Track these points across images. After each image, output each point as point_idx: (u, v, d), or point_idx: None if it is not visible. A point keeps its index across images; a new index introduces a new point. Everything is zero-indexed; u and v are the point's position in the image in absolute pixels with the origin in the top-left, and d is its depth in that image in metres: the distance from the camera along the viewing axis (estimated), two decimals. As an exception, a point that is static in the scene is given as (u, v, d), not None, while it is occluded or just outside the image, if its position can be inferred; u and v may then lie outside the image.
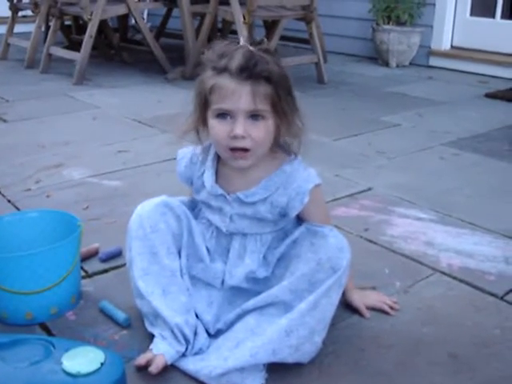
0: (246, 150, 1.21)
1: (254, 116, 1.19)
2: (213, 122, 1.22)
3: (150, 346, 1.27)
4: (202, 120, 1.26)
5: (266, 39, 1.25)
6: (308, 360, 1.25)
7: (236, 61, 1.17)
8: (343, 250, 1.27)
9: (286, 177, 1.27)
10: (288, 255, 1.31)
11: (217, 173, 1.32)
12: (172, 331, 1.26)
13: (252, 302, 1.28)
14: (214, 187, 1.31)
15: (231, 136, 1.19)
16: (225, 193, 1.30)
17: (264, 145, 1.23)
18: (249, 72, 1.16)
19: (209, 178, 1.31)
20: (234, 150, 1.21)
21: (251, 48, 1.19)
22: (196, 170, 1.35)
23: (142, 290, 1.31)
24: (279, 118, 1.22)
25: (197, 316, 1.32)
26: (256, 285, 1.33)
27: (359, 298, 1.45)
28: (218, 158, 1.32)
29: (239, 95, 1.17)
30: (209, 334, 1.31)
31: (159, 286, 1.30)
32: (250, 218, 1.31)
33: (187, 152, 1.37)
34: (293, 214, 1.29)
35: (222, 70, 1.18)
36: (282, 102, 1.20)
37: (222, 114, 1.20)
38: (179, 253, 1.35)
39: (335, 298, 1.28)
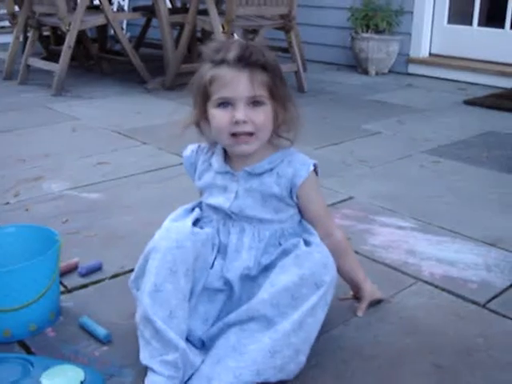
0: (250, 134, 1.27)
1: (254, 102, 1.25)
2: (214, 112, 1.28)
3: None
4: (202, 113, 1.31)
5: (256, 35, 1.32)
6: (292, 378, 1.24)
7: (233, 52, 1.24)
8: (327, 267, 1.28)
9: (289, 154, 1.35)
10: (274, 265, 1.30)
11: (224, 157, 1.37)
12: (176, 355, 1.19)
13: (234, 315, 1.25)
14: (223, 165, 1.35)
15: (233, 122, 1.25)
16: (232, 170, 1.35)
17: (265, 129, 1.29)
18: (246, 61, 1.24)
19: (218, 157, 1.37)
20: (236, 135, 1.27)
21: (244, 41, 1.28)
22: (203, 154, 1.41)
23: (147, 308, 1.22)
24: (276, 103, 1.28)
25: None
26: (248, 283, 1.31)
27: (370, 294, 1.50)
28: None
29: (238, 83, 1.23)
30: (194, 346, 1.28)
31: (167, 307, 1.23)
32: (256, 193, 1.33)
33: (195, 144, 1.43)
34: (299, 181, 1.32)
35: (219, 62, 1.25)
36: (278, 89, 1.28)
37: (223, 104, 1.26)
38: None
39: (321, 317, 1.27)
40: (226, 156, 1.37)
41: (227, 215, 1.35)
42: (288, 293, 1.22)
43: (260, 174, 1.33)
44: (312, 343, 1.26)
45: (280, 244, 1.34)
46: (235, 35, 1.32)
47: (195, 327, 1.29)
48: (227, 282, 1.32)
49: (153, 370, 1.19)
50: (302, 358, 1.23)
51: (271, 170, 1.33)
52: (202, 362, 1.22)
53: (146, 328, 1.23)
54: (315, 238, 1.34)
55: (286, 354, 1.19)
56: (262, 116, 1.26)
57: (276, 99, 1.28)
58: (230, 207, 1.34)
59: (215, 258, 1.34)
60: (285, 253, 1.31)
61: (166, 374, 1.18)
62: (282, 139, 1.36)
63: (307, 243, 1.32)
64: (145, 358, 1.22)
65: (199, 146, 1.42)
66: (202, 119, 1.33)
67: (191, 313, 1.29)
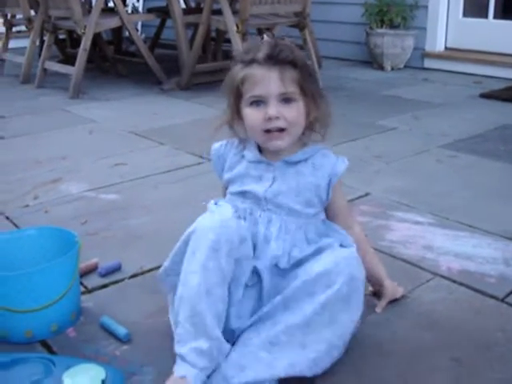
0: (281, 130, 1.29)
1: (285, 99, 1.28)
2: (247, 111, 1.30)
3: (180, 373, 1.17)
4: (235, 113, 1.34)
5: (285, 37, 1.34)
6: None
7: (262, 51, 1.28)
8: (361, 265, 1.30)
9: (320, 148, 1.37)
10: (307, 260, 1.30)
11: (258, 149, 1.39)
12: (209, 343, 1.19)
13: (267, 308, 1.26)
14: (258, 156, 1.36)
15: (266, 118, 1.27)
16: (268, 160, 1.36)
17: (297, 125, 1.31)
18: (275, 59, 1.27)
19: (252, 149, 1.37)
20: (269, 132, 1.29)
21: (273, 41, 1.31)
22: (234, 148, 1.41)
23: (189, 280, 1.21)
24: (308, 99, 1.31)
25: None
26: (277, 278, 1.31)
27: (392, 292, 1.51)
28: None
29: (269, 80, 1.26)
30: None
31: (205, 284, 1.20)
32: (292, 181, 1.33)
33: (225, 140, 1.45)
34: (340, 171, 1.35)
35: (250, 62, 1.28)
36: (308, 85, 1.30)
37: (256, 102, 1.29)
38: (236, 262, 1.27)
39: (355, 314, 1.28)
40: (260, 149, 1.38)
41: (256, 202, 1.34)
42: (322, 280, 1.23)
43: (296, 163, 1.35)
44: (346, 340, 1.27)
45: (307, 240, 1.34)
46: (265, 36, 1.34)
47: (231, 320, 1.27)
48: (257, 273, 1.31)
49: (184, 359, 1.18)
50: (335, 353, 1.25)
51: (306, 160, 1.35)
52: (230, 350, 1.22)
53: (182, 308, 1.21)
54: (348, 241, 1.35)
55: (318, 349, 1.21)
56: (294, 112, 1.29)
57: (307, 95, 1.30)
58: (264, 193, 1.33)
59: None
60: (319, 250, 1.31)
61: (201, 366, 1.17)
62: (313, 136, 1.38)
63: (342, 246, 1.34)
64: (177, 345, 1.21)
65: (229, 141, 1.43)
66: (235, 119, 1.36)
67: (235, 304, 1.28)
